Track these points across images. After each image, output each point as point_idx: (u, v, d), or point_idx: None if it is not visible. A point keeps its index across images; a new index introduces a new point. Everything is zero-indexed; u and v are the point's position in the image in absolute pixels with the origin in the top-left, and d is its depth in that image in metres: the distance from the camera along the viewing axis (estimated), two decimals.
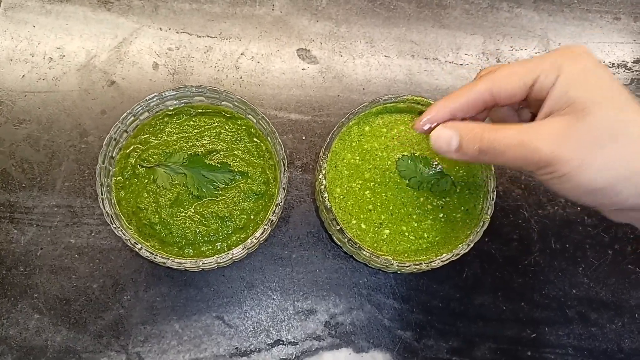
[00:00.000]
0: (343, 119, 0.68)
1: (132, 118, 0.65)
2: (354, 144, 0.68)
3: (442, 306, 0.74)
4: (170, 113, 0.67)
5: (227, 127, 0.68)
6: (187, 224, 0.64)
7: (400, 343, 0.73)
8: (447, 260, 0.64)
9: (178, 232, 0.63)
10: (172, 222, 0.63)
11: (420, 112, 0.70)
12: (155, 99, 0.65)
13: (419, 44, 0.85)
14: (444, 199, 0.67)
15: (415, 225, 0.66)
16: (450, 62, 0.85)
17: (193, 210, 0.64)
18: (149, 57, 0.80)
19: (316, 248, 0.75)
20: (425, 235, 0.66)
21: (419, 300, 0.74)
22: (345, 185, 0.67)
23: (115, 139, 0.64)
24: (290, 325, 0.72)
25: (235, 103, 0.67)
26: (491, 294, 0.75)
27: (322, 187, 0.64)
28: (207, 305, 0.72)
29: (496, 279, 0.76)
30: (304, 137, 0.79)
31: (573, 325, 0.75)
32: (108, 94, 0.78)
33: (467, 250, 0.65)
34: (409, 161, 0.68)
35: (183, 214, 0.64)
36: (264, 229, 0.63)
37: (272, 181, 0.67)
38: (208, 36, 0.82)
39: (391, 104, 0.70)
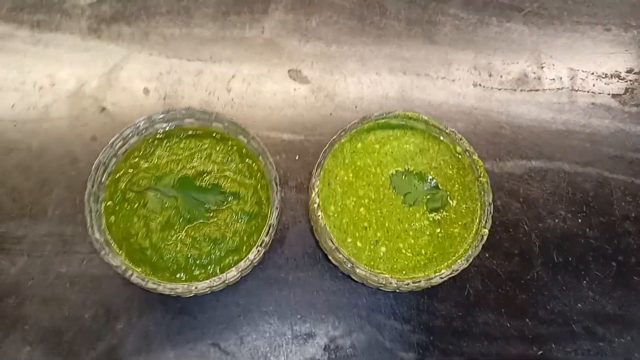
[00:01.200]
0: (335, 137, 0.67)
1: (122, 142, 0.64)
2: (347, 161, 0.67)
3: (444, 325, 0.72)
4: (160, 136, 0.67)
5: (217, 149, 0.67)
6: (178, 248, 0.62)
7: None
8: (446, 276, 0.62)
9: (169, 256, 0.62)
10: (163, 246, 0.62)
11: (413, 128, 0.70)
12: (144, 122, 0.64)
13: (410, 61, 0.85)
14: (440, 214, 0.66)
15: (412, 241, 0.65)
16: (442, 78, 0.84)
17: (184, 234, 0.63)
18: (140, 83, 0.80)
19: (313, 269, 0.73)
20: (423, 252, 0.65)
21: (421, 320, 0.72)
22: (339, 203, 0.65)
23: (104, 164, 0.63)
24: (289, 350, 0.70)
25: (226, 124, 0.66)
26: (494, 311, 0.73)
27: (316, 205, 0.63)
28: (202, 332, 0.70)
29: (499, 296, 0.74)
30: (297, 157, 0.78)
31: (580, 340, 0.73)
32: (99, 120, 0.77)
33: (466, 266, 0.63)
34: (404, 177, 0.67)
35: (174, 238, 0.62)
36: (258, 250, 0.61)
37: (264, 201, 0.65)
38: (198, 60, 0.82)
39: (383, 120, 0.69)
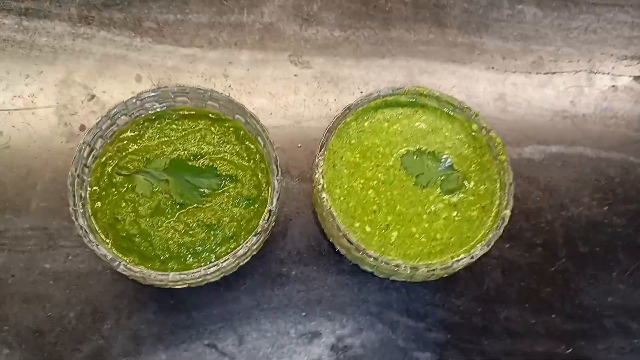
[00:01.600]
0: (339, 115, 0.62)
1: (109, 122, 0.59)
2: (353, 141, 0.62)
3: (463, 322, 0.66)
4: (151, 117, 0.62)
5: (213, 130, 0.62)
6: (170, 235, 0.57)
7: None
8: (464, 262, 0.56)
9: (160, 244, 0.56)
10: (153, 233, 0.56)
11: (424, 105, 0.65)
12: (133, 101, 0.60)
13: (418, 45, 0.80)
14: (456, 196, 0.60)
15: (426, 226, 0.59)
16: (452, 62, 0.79)
17: (176, 220, 0.57)
18: (132, 69, 0.75)
19: (318, 263, 0.67)
20: (438, 237, 0.59)
21: (437, 317, 0.66)
22: (346, 186, 0.60)
23: (89, 145, 0.58)
24: (293, 350, 0.64)
25: (221, 102, 0.61)
26: (517, 306, 0.67)
27: (320, 186, 0.58)
28: (198, 331, 0.63)
29: (522, 289, 0.68)
30: (299, 145, 0.73)
31: (612, 337, 0.66)
32: (88, 109, 0.73)
33: (487, 251, 0.57)
34: (415, 157, 0.61)
35: (165, 224, 0.57)
36: (257, 236, 0.56)
37: (264, 185, 0.60)
38: (194, 46, 0.77)
39: (391, 98, 0.64)
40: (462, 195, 0.61)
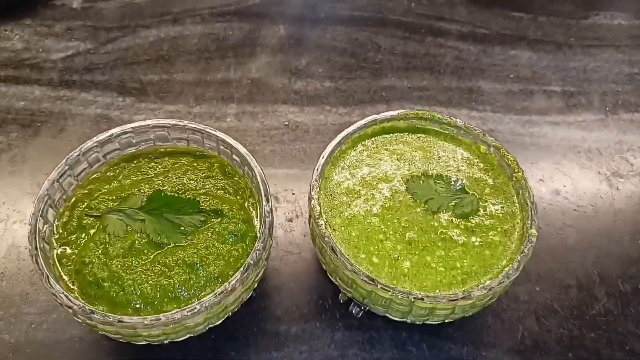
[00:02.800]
0: (333, 143, 0.56)
1: (68, 170, 0.53)
2: (351, 169, 0.56)
3: None
4: (128, 157, 0.56)
5: (196, 166, 0.56)
6: (144, 277, 0.48)
7: None
8: (491, 289, 0.48)
9: (132, 287, 0.48)
10: (124, 275, 0.48)
11: (425, 130, 0.59)
12: (97, 144, 0.54)
13: (413, 91, 0.77)
14: (473, 220, 0.53)
15: (443, 253, 0.51)
16: (453, 106, 0.76)
17: (152, 260, 0.49)
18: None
19: (321, 318, 0.58)
20: (458, 265, 0.50)
21: None
22: (346, 214, 0.53)
23: (48, 198, 0.51)
24: None
25: (204, 136, 0.56)
26: (560, 357, 0.57)
27: (317, 213, 0.51)
28: None
29: (562, 337, 0.58)
30: (293, 192, 0.67)
31: None
32: None
33: (517, 275, 0.49)
34: (421, 182, 0.55)
35: (140, 266, 0.49)
36: (245, 268, 0.47)
37: (254, 221, 0.53)
38: (180, 103, 0.74)
39: (389, 124, 0.59)
40: (479, 219, 0.53)
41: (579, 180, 0.69)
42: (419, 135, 0.59)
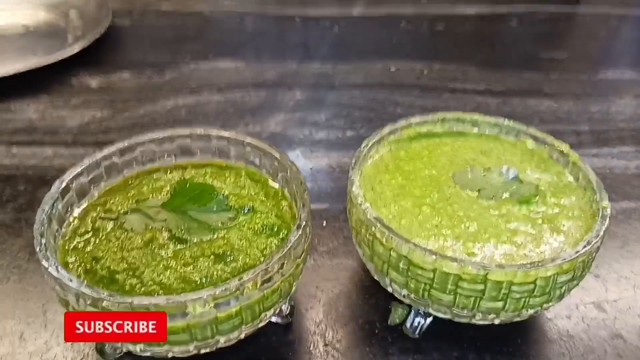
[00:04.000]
0: (366, 146, 0.52)
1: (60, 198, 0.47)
2: (390, 167, 0.52)
3: None
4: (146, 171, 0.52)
5: (223, 174, 0.51)
6: (163, 267, 0.41)
7: None
8: (574, 256, 0.40)
9: (151, 278, 0.40)
10: (141, 267, 0.41)
11: (464, 133, 0.56)
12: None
13: None
14: (535, 207, 0.47)
15: (506, 239, 0.44)
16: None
17: (174, 254, 0.42)
18: None
19: (371, 343, 0.49)
20: (527, 253, 0.43)
21: None
22: (393, 205, 0.47)
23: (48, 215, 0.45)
24: None
25: (232, 146, 0.52)
26: None
27: (360, 200, 0.45)
28: None
29: None
30: (324, 224, 0.61)
31: None
32: None
33: (599, 243, 0.42)
34: (469, 174, 0.50)
35: (160, 256, 0.42)
36: (288, 246, 0.40)
37: (288, 217, 0.47)
38: None
39: (425, 129, 0.56)
40: (542, 206, 0.47)
41: None
42: (458, 137, 0.55)
